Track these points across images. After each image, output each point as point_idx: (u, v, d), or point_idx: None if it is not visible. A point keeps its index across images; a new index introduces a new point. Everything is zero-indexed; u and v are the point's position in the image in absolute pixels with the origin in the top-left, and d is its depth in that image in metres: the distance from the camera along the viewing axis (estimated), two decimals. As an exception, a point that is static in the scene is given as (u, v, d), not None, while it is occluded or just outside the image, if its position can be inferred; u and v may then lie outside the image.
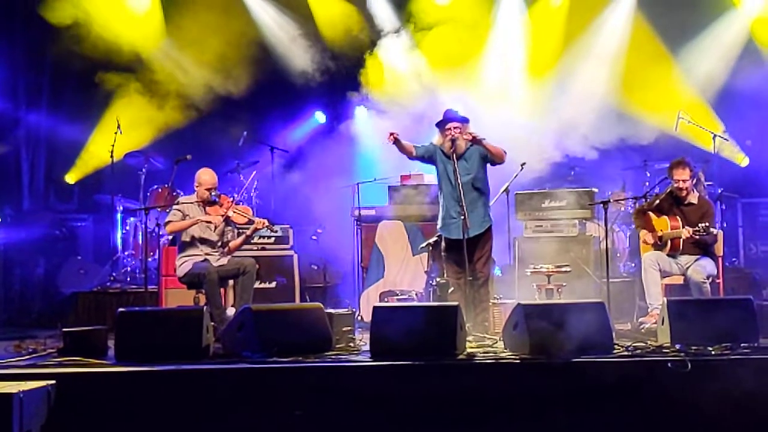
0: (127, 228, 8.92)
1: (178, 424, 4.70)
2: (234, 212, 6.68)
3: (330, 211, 8.55)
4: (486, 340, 5.92)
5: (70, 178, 9.69)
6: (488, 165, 6.34)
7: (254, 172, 8.79)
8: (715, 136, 8.24)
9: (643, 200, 6.95)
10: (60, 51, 8.51)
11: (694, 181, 6.83)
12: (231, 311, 6.54)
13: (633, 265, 7.81)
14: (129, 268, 8.68)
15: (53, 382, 4.62)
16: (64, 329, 5.73)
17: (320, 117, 9.77)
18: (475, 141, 6.23)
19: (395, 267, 7.90)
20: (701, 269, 6.36)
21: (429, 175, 7.19)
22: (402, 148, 6.45)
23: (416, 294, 7.33)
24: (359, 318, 6.84)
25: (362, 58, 8.96)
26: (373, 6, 9.02)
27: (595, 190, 7.72)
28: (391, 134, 6.34)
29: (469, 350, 5.41)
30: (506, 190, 7.34)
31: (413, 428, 4.68)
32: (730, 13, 9.13)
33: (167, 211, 6.89)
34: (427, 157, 6.55)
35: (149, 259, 7.82)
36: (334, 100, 9.62)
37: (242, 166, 8.71)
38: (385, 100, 8.64)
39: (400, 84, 8.75)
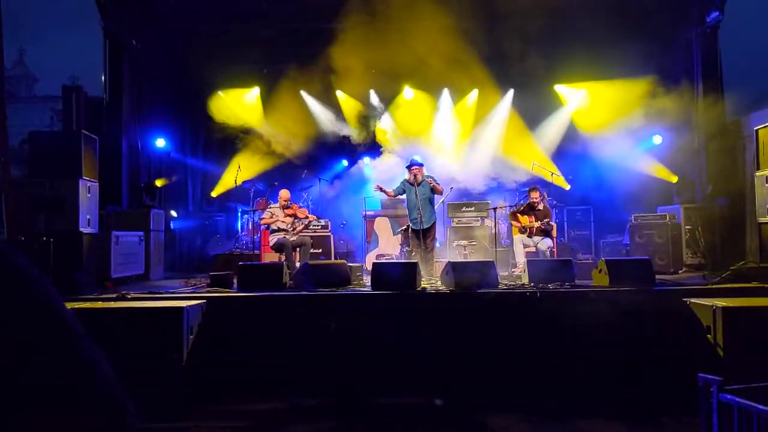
0: (243, 220, 11.73)
1: (268, 323, 6.32)
2: (298, 212, 9.46)
3: (350, 212, 11.43)
4: (431, 280, 8.05)
5: (214, 193, 12.62)
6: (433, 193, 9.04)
7: (308, 191, 11.70)
8: (552, 174, 11.20)
9: (513, 207, 9.88)
10: (208, 127, 11.86)
11: (542, 197, 9.70)
12: (298, 264, 8.66)
13: (509, 241, 10.58)
14: (244, 242, 11.38)
15: (204, 301, 6.29)
16: (210, 273, 7.94)
17: (344, 162, 12.82)
18: (432, 187, 8.84)
19: (384, 241, 10.62)
20: (544, 244, 9.28)
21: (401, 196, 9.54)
22: (385, 193, 9.05)
23: (395, 256, 9.98)
24: (365, 268, 8.88)
25: (367, 131, 12.28)
26: (372, 101, 12.56)
27: (489, 202, 10.69)
28: (377, 186, 8.99)
29: (423, 285, 7.19)
30: (443, 201, 10.39)
31: (393, 328, 6.31)
32: (560, 108, 12.41)
33: (263, 212, 9.80)
34: (400, 191, 9.13)
35: (255, 237, 10.69)
36: (352, 153, 12.70)
37: (304, 188, 11.60)
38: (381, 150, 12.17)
39: (387, 142, 12.24)
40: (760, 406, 2.90)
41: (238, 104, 12.33)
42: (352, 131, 12.60)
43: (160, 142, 11.91)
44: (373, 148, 12.52)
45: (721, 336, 5.80)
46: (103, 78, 10.93)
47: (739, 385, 3.17)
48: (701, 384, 3.28)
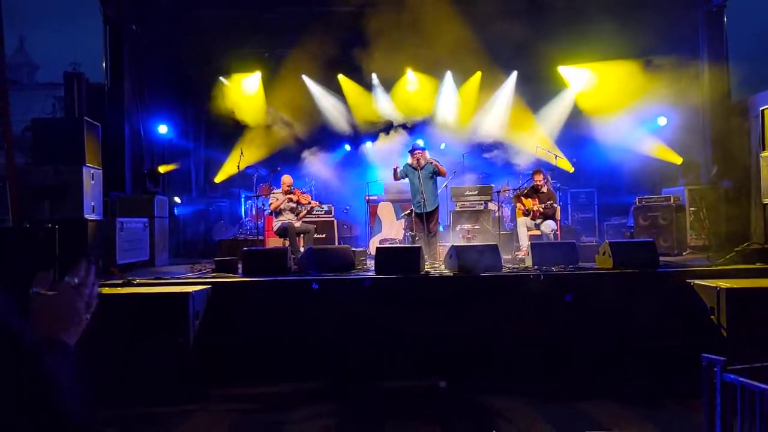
0: (247, 206, 11.87)
1: (273, 307, 6.38)
2: (301, 198, 9.49)
3: (353, 197, 11.52)
4: (435, 264, 8.07)
5: (217, 179, 12.78)
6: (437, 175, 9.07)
7: (313, 174, 11.80)
8: (556, 156, 11.19)
9: (517, 191, 9.85)
10: (210, 112, 11.91)
11: (545, 180, 9.62)
12: (302, 249, 8.64)
13: (513, 224, 10.38)
14: (248, 227, 11.52)
15: (210, 286, 6.40)
16: (215, 258, 8.17)
17: (347, 147, 12.88)
18: (435, 166, 8.90)
19: (388, 226, 10.72)
20: (548, 226, 9.19)
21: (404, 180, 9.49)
22: (394, 174, 9.20)
23: (398, 240, 10.12)
24: (369, 253, 9.00)
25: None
26: (374, 84, 12.57)
27: (493, 185, 10.63)
28: (395, 168, 9.19)
29: (426, 269, 7.25)
30: (446, 185, 10.37)
31: (398, 311, 6.34)
32: (564, 89, 12.36)
33: (268, 198, 9.85)
34: (405, 175, 9.15)
35: (259, 222, 10.78)
36: (356, 138, 12.75)
37: (306, 172, 11.77)
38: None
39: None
40: (763, 386, 2.91)
41: (239, 89, 12.36)
42: (355, 115, 12.59)
43: (163, 129, 11.90)
44: (376, 132, 12.52)
45: (724, 317, 5.83)
46: (104, 64, 10.90)
47: (743, 365, 3.18)
48: (704, 364, 3.29)
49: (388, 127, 12.47)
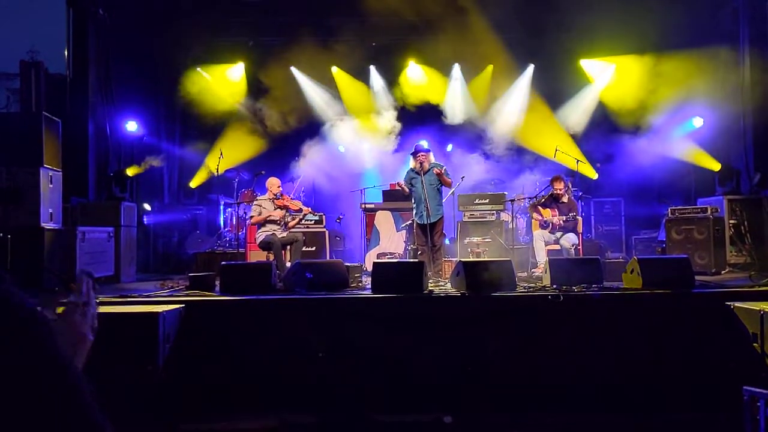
0: (226, 214, 11.78)
1: (256, 330, 6.29)
2: (291, 204, 9.38)
3: (347, 205, 11.45)
4: (440, 282, 8.04)
5: (193, 183, 12.81)
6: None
7: (301, 178, 11.67)
8: (578, 161, 11.04)
9: (534, 200, 9.81)
10: (186, 108, 11.95)
11: (566, 188, 9.65)
12: (288, 264, 8.59)
13: (528, 237, 10.42)
14: (227, 238, 11.39)
15: (183, 305, 6.20)
16: (190, 274, 7.87)
17: (341, 149, 12.79)
18: (439, 176, 8.92)
19: (386, 238, 10.69)
20: (569, 240, 9.23)
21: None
22: (402, 190, 9.16)
23: (398, 255, 9.93)
24: (364, 269, 8.91)
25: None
26: (372, 78, 12.76)
27: (506, 193, 10.69)
28: (398, 184, 9.25)
29: (430, 288, 7.18)
30: (453, 193, 10.27)
31: (396, 334, 6.26)
32: (587, 86, 12.47)
33: (250, 205, 9.68)
34: (410, 183, 9.12)
35: (239, 233, 10.49)
36: (351, 137, 12.55)
37: (295, 176, 11.64)
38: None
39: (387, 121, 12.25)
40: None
41: (220, 82, 12.43)
42: (349, 112, 12.67)
43: (132, 126, 11.89)
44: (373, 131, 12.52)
45: (768, 344, 5.81)
46: (66, 53, 10.93)
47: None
48: (746, 398, 3.29)
49: (387, 125, 12.50)
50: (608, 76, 12.39)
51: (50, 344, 0.96)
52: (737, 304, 6.30)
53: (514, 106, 12.56)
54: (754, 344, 5.98)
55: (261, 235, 9.30)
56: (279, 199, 9.46)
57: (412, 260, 8.34)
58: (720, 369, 5.99)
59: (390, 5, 10.68)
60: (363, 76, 12.84)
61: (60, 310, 1.44)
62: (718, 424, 5.57)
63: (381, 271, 7.07)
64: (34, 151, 8.12)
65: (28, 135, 8.13)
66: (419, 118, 12.41)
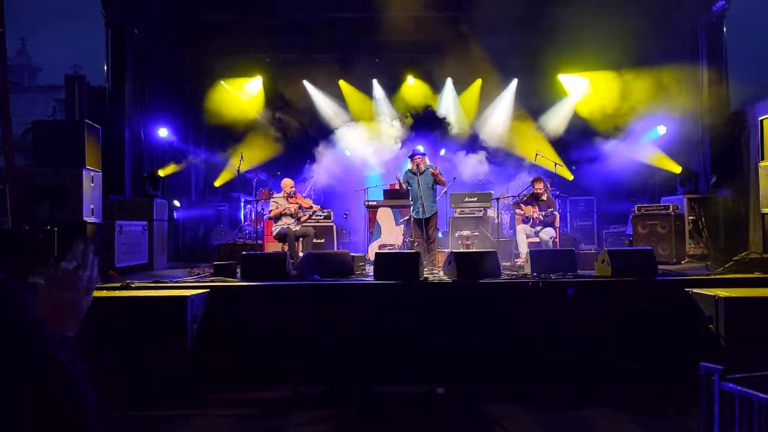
0: (246, 210, 11.81)
1: (272, 312, 6.40)
2: (302, 202, 9.58)
3: (353, 203, 11.54)
4: (434, 270, 8.14)
5: (217, 183, 12.91)
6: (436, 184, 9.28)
7: (312, 179, 11.87)
8: (555, 164, 11.27)
9: (517, 198, 9.98)
10: (211, 116, 11.97)
11: (546, 187, 9.77)
12: (301, 254, 8.63)
13: (512, 231, 10.50)
14: (247, 231, 11.48)
15: (208, 290, 6.38)
16: (214, 263, 8.07)
17: (347, 152, 12.69)
18: (435, 176, 9.07)
19: (387, 232, 10.50)
20: (547, 234, 9.35)
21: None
22: (400, 186, 9.54)
23: (398, 246, 9.95)
24: (367, 258, 8.85)
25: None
26: (375, 91, 12.74)
27: (492, 192, 10.77)
28: (397, 176, 9.63)
29: (425, 275, 7.28)
30: (446, 192, 10.43)
31: (396, 317, 6.35)
32: (563, 98, 12.57)
33: (268, 202, 9.93)
34: (407, 182, 9.40)
35: (258, 227, 10.83)
36: (355, 143, 12.55)
37: (306, 177, 11.80)
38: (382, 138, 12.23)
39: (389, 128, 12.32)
40: (761, 395, 2.92)
41: (240, 93, 12.43)
42: (355, 121, 12.63)
43: (163, 132, 11.90)
44: (376, 139, 12.53)
45: (723, 326, 5.83)
46: (105, 68, 10.93)
47: (741, 374, 3.18)
48: (703, 373, 3.30)
49: (387, 132, 12.50)
50: (583, 89, 12.40)
51: (17, 311, 0.88)
52: (695, 290, 6.35)
53: (499, 116, 12.59)
54: (710, 326, 6.02)
55: (277, 227, 9.33)
56: (292, 197, 9.48)
57: (409, 251, 8.34)
58: (680, 347, 6.03)
59: (405, 29, 10.69)
60: (366, 88, 12.84)
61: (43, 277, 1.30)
62: (676, 395, 5.55)
63: (382, 260, 7.08)
64: (77, 154, 8.11)
65: (72, 140, 8.12)
66: (416, 126, 12.44)
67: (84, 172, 8.10)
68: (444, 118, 12.67)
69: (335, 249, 10.23)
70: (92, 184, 8.32)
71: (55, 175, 7.92)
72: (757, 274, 7.13)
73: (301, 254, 8.70)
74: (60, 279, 1.23)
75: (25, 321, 0.89)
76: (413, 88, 12.63)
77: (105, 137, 8.97)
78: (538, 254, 7.56)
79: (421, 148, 9.69)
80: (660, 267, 7.38)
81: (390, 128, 12.27)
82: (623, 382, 6.03)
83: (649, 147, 11.80)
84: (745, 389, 3.04)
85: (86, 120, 8.53)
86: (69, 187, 7.93)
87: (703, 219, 10.22)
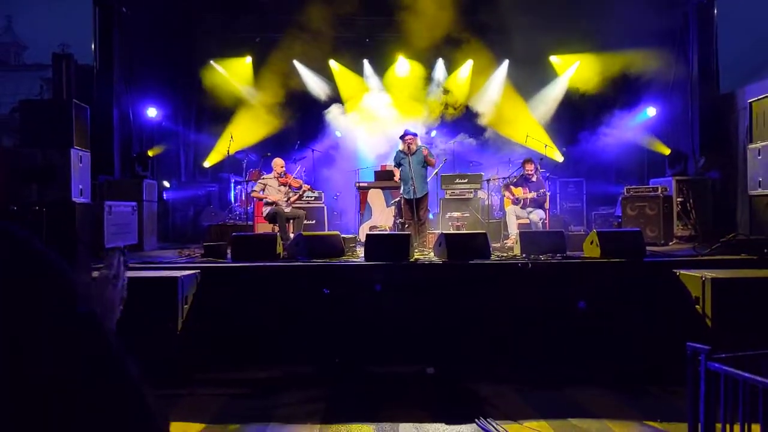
0: (236, 191, 11.72)
1: (263, 293, 6.42)
2: (292, 182, 9.47)
3: (344, 184, 11.58)
4: (424, 251, 8.10)
5: (207, 163, 12.72)
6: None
7: (303, 160, 11.66)
8: (546, 146, 11.32)
9: (507, 179, 9.93)
10: (200, 96, 11.91)
11: (536, 169, 9.76)
12: (292, 236, 8.51)
13: (501, 213, 10.47)
14: (237, 212, 11.42)
15: (198, 271, 6.39)
16: (204, 244, 8.03)
17: (338, 134, 12.56)
18: (425, 155, 8.94)
19: (378, 213, 10.69)
20: (537, 215, 9.31)
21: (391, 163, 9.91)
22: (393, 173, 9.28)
23: (388, 228, 10.00)
24: (358, 240, 8.89)
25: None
26: (365, 71, 12.62)
27: (483, 174, 10.73)
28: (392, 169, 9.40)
29: (416, 256, 7.32)
30: (436, 173, 10.33)
31: (386, 298, 6.38)
32: (555, 79, 12.51)
33: (256, 182, 9.66)
34: (399, 163, 9.18)
35: (248, 207, 10.72)
36: (346, 123, 12.49)
37: (297, 158, 11.58)
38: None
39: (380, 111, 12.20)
40: (746, 374, 2.95)
41: (230, 73, 12.27)
42: (345, 101, 12.50)
43: (152, 111, 11.75)
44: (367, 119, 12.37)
45: (709, 306, 5.90)
46: (93, 46, 10.75)
47: (726, 354, 3.22)
48: (689, 353, 3.33)
49: (379, 113, 12.38)
50: (573, 71, 12.34)
51: (32, 246, 0.81)
52: (682, 271, 6.42)
53: (491, 97, 12.50)
54: (696, 306, 6.09)
55: (267, 208, 9.31)
56: (282, 177, 9.41)
57: (400, 232, 8.34)
58: (667, 327, 6.08)
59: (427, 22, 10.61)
60: (357, 68, 12.72)
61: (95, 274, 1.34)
62: (664, 375, 5.63)
63: (373, 241, 7.07)
64: (65, 134, 8.01)
65: (59, 119, 8.01)
66: (408, 107, 12.27)
67: (72, 152, 8.01)
68: (433, 100, 12.59)
69: (326, 230, 10.19)
70: (80, 164, 8.24)
71: (43, 155, 7.83)
72: (743, 256, 7.19)
73: (291, 235, 8.64)
74: (100, 286, 1.28)
75: (61, 275, 0.85)
76: (404, 68, 12.52)
77: (93, 117, 8.84)
78: (527, 235, 7.56)
79: (412, 129, 9.61)
80: (648, 248, 7.41)
81: (381, 109, 12.21)
82: (612, 362, 6.08)
83: (638, 129, 11.82)
84: (731, 369, 3.07)
85: (74, 99, 8.41)
86: (57, 167, 7.84)
87: (691, 201, 10.27)
